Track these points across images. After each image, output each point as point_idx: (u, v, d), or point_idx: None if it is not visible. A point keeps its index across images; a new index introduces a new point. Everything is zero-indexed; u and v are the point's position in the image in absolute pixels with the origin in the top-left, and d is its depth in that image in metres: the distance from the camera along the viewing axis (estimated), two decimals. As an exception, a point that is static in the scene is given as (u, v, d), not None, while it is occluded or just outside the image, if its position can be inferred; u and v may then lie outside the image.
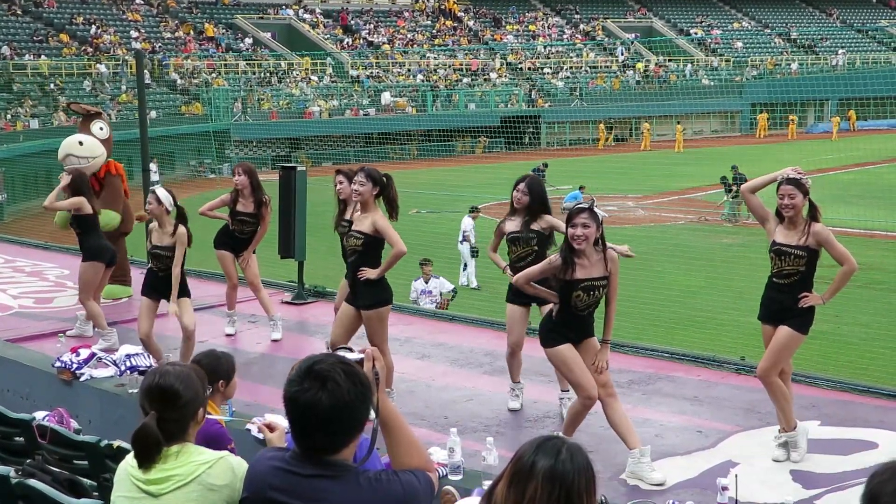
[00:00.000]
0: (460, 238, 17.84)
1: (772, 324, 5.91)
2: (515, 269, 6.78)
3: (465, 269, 17.87)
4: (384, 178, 6.75)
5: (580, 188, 26.40)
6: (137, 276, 11.62)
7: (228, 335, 9.24)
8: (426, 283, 14.12)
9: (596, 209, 5.71)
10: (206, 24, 46.69)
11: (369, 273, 6.77)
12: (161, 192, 7.80)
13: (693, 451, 6.20)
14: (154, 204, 7.72)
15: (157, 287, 7.84)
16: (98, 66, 39.38)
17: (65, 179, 8.79)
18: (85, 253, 8.86)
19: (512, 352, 7.05)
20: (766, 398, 6.32)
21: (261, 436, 4.28)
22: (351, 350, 2.83)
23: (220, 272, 11.14)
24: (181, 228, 7.70)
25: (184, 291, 7.84)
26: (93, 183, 10.59)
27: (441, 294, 14.22)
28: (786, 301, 5.81)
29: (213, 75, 42.34)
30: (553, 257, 5.86)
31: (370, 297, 6.79)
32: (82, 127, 10.92)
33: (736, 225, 22.86)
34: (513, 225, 6.88)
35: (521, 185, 6.82)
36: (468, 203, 20.48)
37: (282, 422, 3.51)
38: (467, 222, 17.88)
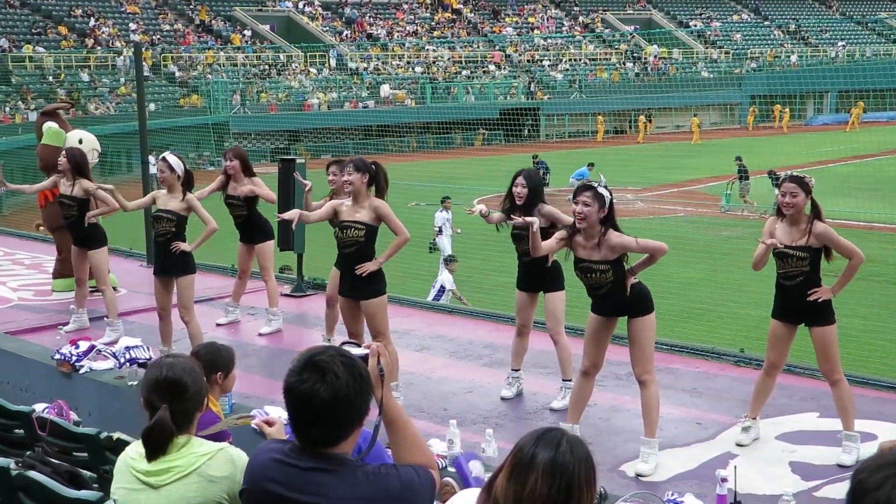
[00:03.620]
0: (436, 231, 17.93)
1: (788, 321, 5.89)
2: (522, 261, 6.91)
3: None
4: (373, 166, 6.71)
5: (589, 165, 26.51)
6: (136, 268, 11.65)
7: (219, 325, 9.23)
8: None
9: (602, 189, 5.63)
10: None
11: (371, 266, 6.72)
12: (172, 158, 7.75)
13: (692, 443, 6.20)
14: (167, 172, 7.68)
15: (164, 267, 7.84)
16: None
17: (62, 164, 8.47)
18: (94, 242, 8.68)
19: (518, 332, 7.11)
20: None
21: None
22: (357, 345, 2.82)
23: (220, 265, 11.13)
24: (189, 194, 7.68)
25: (188, 265, 7.79)
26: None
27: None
28: (800, 302, 5.77)
29: (212, 67, 42.28)
30: (560, 232, 5.93)
31: (371, 287, 6.74)
32: (40, 122, 10.67)
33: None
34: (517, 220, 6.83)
35: (520, 178, 6.78)
36: (467, 196, 20.50)
37: (280, 414, 3.50)
38: (441, 216, 18.00)
